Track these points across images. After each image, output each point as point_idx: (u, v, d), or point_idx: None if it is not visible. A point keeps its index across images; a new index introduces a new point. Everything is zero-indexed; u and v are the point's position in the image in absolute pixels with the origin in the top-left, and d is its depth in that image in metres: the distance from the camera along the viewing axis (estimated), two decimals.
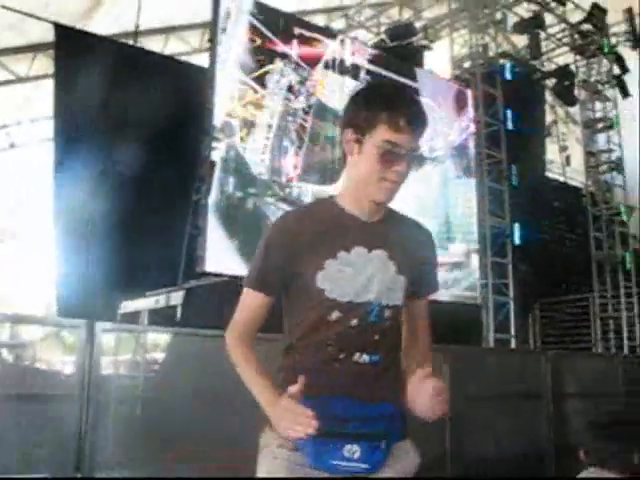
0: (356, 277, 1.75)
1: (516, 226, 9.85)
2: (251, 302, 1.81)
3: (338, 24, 12.15)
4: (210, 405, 4.19)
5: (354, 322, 1.75)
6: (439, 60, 10.73)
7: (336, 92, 8.14)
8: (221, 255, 6.88)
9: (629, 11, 13.36)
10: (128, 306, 7.92)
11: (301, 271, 1.74)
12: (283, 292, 1.82)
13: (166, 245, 7.68)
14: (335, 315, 1.74)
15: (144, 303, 7.76)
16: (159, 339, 5.82)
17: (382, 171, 1.70)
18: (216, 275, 7.01)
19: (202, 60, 8.85)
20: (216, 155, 7.04)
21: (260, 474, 1.75)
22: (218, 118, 7.11)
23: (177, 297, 7.18)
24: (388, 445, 1.71)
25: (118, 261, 7.50)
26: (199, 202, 7.00)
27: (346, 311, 1.74)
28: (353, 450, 1.66)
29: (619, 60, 12.86)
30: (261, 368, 1.76)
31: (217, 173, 7.01)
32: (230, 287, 7.12)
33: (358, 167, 1.75)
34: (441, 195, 9.06)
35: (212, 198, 6.93)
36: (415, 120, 1.70)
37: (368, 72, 8.54)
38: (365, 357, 1.75)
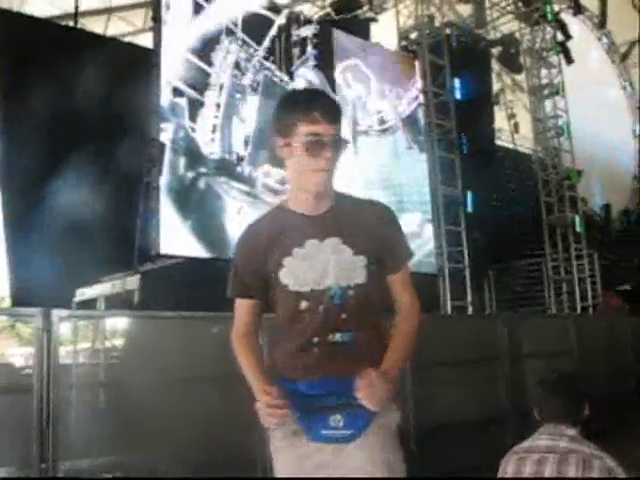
0: (312, 267, 1.91)
1: (468, 194, 9.97)
2: (241, 309, 2.03)
3: None
4: (173, 387, 4.19)
5: (321, 307, 1.90)
6: (386, 32, 10.72)
7: (284, 67, 8.10)
8: (175, 236, 6.84)
9: None
10: (85, 293, 7.83)
11: (268, 273, 1.94)
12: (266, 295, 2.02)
13: (120, 229, 7.60)
14: (304, 304, 1.91)
15: (100, 289, 7.68)
16: (118, 325, 5.77)
17: (313, 163, 1.85)
18: (171, 257, 6.97)
19: (147, 41, 8.69)
20: (165, 136, 6.96)
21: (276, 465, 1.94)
22: (165, 99, 7.02)
23: (133, 281, 7.13)
24: (368, 410, 1.82)
25: (71, 248, 7.39)
26: (150, 184, 6.92)
27: (312, 299, 1.90)
28: (337, 419, 1.85)
29: (562, 27, 13.03)
30: (255, 360, 1.97)
31: (167, 154, 6.94)
32: (186, 267, 7.12)
33: (293, 167, 1.91)
34: (393, 166, 9.10)
35: (163, 179, 6.87)
36: (328, 109, 1.87)
37: (315, 46, 8.50)
38: (337, 336, 1.91)
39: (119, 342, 5.73)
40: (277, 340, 2.00)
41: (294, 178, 1.94)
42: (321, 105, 1.87)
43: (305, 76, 8.44)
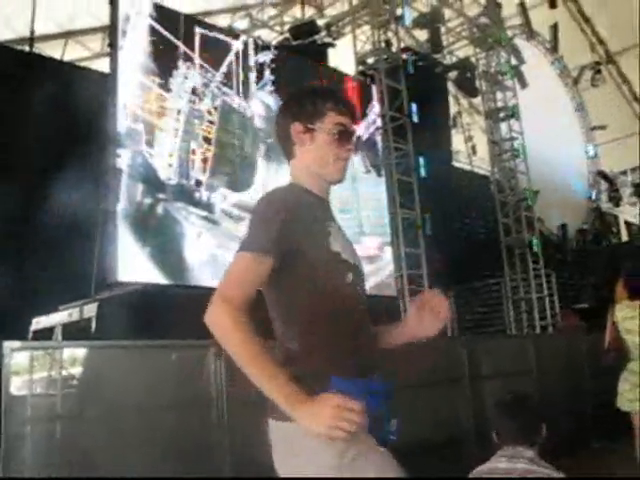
0: (348, 241, 1.86)
1: (427, 217, 10.07)
2: (258, 270, 1.66)
3: (242, 24, 12.10)
4: (131, 416, 4.13)
5: (359, 286, 1.83)
6: (343, 57, 10.83)
7: (241, 93, 8.12)
8: (133, 263, 6.77)
9: (522, 4, 13.92)
10: (41, 322, 7.67)
11: (314, 238, 1.76)
12: (278, 278, 1.72)
13: (77, 257, 7.47)
14: (349, 277, 1.78)
15: (58, 318, 7.53)
16: (75, 354, 5.66)
17: (338, 152, 1.87)
18: (130, 284, 6.88)
19: (104, 65, 8.64)
20: (122, 162, 6.91)
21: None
22: (122, 124, 6.98)
23: (91, 309, 7.01)
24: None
25: (27, 276, 7.25)
26: (107, 211, 6.85)
27: (355, 273, 1.81)
28: (393, 424, 1.73)
29: (516, 52, 13.36)
30: (273, 358, 1.62)
31: (124, 180, 6.88)
32: (144, 294, 7.03)
33: (313, 153, 1.88)
34: (351, 190, 9.16)
35: (121, 206, 6.81)
36: (351, 105, 1.98)
37: (272, 71, 8.55)
38: (370, 329, 1.84)
39: (76, 371, 5.61)
40: (313, 327, 1.70)
41: (311, 163, 1.89)
42: (346, 98, 2.02)
43: (263, 100, 8.47)
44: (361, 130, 9.63)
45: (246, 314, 1.62)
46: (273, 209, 1.74)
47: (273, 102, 8.57)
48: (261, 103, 8.45)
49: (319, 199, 1.90)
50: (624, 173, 19.36)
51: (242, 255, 1.67)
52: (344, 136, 1.88)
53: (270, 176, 8.35)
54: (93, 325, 6.86)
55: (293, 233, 1.71)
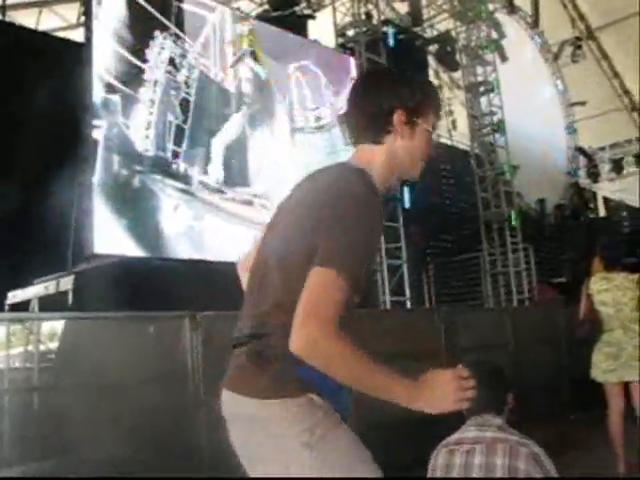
0: None
1: (405, 190, 10.07)
2: (345, 292, 1.53)
3: None
4: (109, 388, 4.12)
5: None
6: (323, 29, 10.72)
7: (218, 64, 8.03)
8: (110, 235, 6.72)
9: None
10: (17, 295, 7.61)
11: (375, 252, 1.77)
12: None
13: (53, 229, 7.39)
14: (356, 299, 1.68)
15: (33, 291, 7.48)
16: (52, 327, 5.64)
17: (426, 154, 1.81)
18: (106, 256, 6.84)
19: (80, 36, 8.48)
20: (98, 133, 6.82)
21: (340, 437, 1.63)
22: (98, 95, 6.88)
23: (67, 282, 6.96)
24: None
25: (2, 250, 7.17)
26: (84, 182, 6.77)
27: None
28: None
29: (496, 26, 13.31)
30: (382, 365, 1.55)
31: (101, 152, 6.80)
32: (121, 267, 6.99)
33: (406, 148, 1.78)
34: (330, 163, 9.08)
35: (97, 178, 6.73)
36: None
37: (251, 42, 8.45)
38: None
39: (53, 344, 5.60)
40: None
41: (401, 158, 1.79)
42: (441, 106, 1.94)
43: (251, 67, 8.40)
44: (340, 103, 9.57)
45: (340, 335, 1.50)
46: (364, 219, 1.60)
47: (259, 69, 8.49)
48: (249, 70, 8.36)
49: (380, 199, 1.74)
50: (603, 149, 19.47)
51: (334, 277, 1.52)
52: (432, 141, 1.83)
53: (255, 146, 8.30)
54: (70, 298, 6.82)
55: (370, 250, 1.68)
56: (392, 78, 1.88)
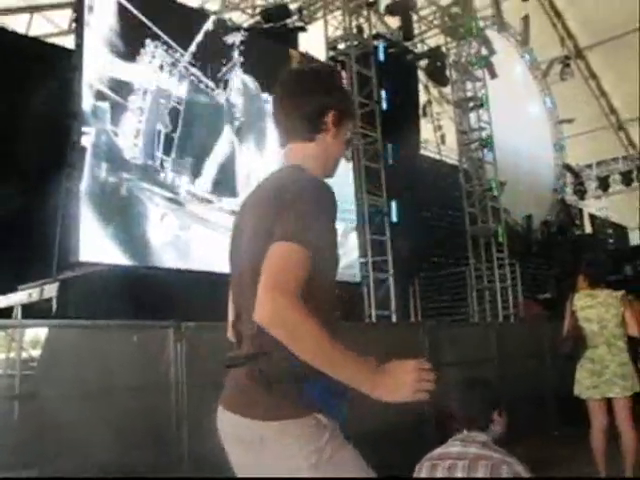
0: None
1: (393, 204, 10.09)
2: (307, 266, 1.57)
3: (213, 5, 11.94)
4: (91, 397, 4.08)
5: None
6: (314, 42, 10.76)
7: (209, 74, 8.02)
8: (96, 243, 6.67)
9: None
10: (0, 301, 7.55)
11: (330, 235, 1.72)
12: None
13: (38, 236, 7.34)
14: (335, 272, 1.80)
15: (17, 298, 7.41)
16: (35, 334, 5.59)
17: (343, 154, 1.96)
18: (92, 264, 6.79)
19: (70, 42, 8.46)
20: (87, 140, 6.78)
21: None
22: (87, 102, 6.85)
23: (51, 289, 6.90)
24: None
25: None
26: (70, 189, 6.73)
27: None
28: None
29: (487, 42, 13.42)
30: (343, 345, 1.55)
31: (88, 159, 6.76)
32: (106, 275, 6.94)
33: (331, 148, 1.88)
34: None
35: (84, 185, 6.69)
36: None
37: (241, 53, 8.46)
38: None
39: (36, 352, 5.54)
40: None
41: (326, 156, 1.89)
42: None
43: (242, 78, 8.40)
44: None
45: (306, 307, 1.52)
46: (313, 199, 1.67)
47: (250, 80, 8.50)
48: (239, 81, 8.36)
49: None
50: (589, 167, 19.63)
51: (293, 248, 1.56)
52: (349, 143, 2.02)
53: (244, 157, 8.30)
54: (54, 306, 6.77)
55: (331, 234, 1.73)
56: (326, 80, 1.95)
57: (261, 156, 8.47)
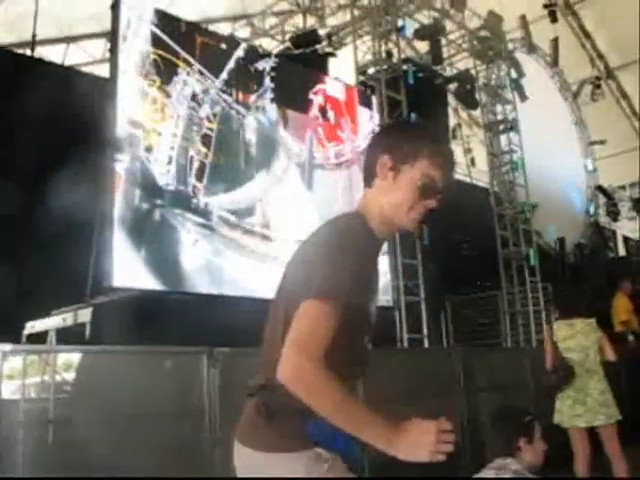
0: (375, 285, 1.80)
1: (424, 227, 10.04)
2: (337, 321, 1.58)
3: (243, 32, 12.12)
4: (124, 424, 4.09)
5: (369, 337, 1.81)
6: (344, 67, 10.84)
7: (241, 100, 8.11)
8: (129, 269, 6.74)
9: (523, 18, 13.96)
10: (35, 326, 7.63)
11: (363, 295, 1.70)
12: None
13: (73, 261, 7.44)
14: (366, 339, 1.78)
15: (51, 322, 7.49)
16: (68, 359, 5.63)
17: (415, 202, 1.77)
18: (125, 289, 6.85)
19: (105, 71, 8.63)
20: (120, 167, 6.89)
21: None
22: (121, 129, 6.97)
23: (85, 314, 6.97)
24: None
25: (21, 279, 7.20)
26: (105, 215, 6.82)
27: (369, 329, 1.79)
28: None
29: (516, 65, 13.39)
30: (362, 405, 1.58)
31: (122, 185, 6.86)
32: (139, 301, 7.00)
33: (391, 194, 1.79)
34: (348, 200, 9.12)
35: (118, 211, 6.77)
36: (451, 161, 1.86)
37: (272, 79, 8.54)
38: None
39: (69, 376, 5.58)
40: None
41: (387, 203, 1.80)
42: (448, 152, 1.86)
43: (265, 108, 8.47)
44: (360, 140, 9.62)
45: (326, 364, 1.54)
46: (350, 252, 1.64)
47: (273, 112, 8.57)
48: (269, 106, 8.45)
49: (377, 241, 1.81)
50: (622, 188, 19.39)
51: (319, 305, 1.57)
52: (428, 190, 1.77)
53: (268, 185, 8.34)
54: (87, 330, 6.83)
55: (358, 281, 1.65)
56: (386, 127, 2.01)
57: (292, 182, 8.50)
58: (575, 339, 5.05)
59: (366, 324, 1.77)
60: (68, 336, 6.94)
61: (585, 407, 4.90)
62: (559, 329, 5.17)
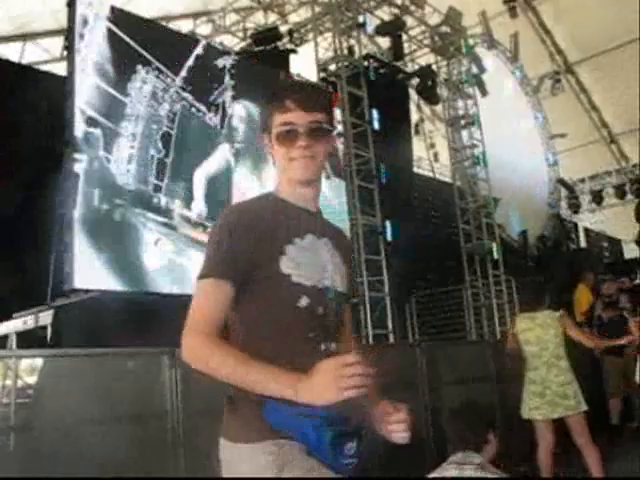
0: (315, 261, 1.76)
1: (388, 223, 10.10)
2: (216, 294, 1.66)
3: (204, 29, 12.03)
4: (86, 427, 4.04)
5: (321, 309, 1.74)
6: (305, 63, 10.82)
7: (201, 98, 8.05)
8: (90, 270, 6.65)
9: (483, 14, 14.10)
10: None
11: (264, 257, 1.69)
12: (236, 297, 1.70)
13: (33, 263, 7.33)
14: (304, 301, 1.70)
15: (12, 325, 7.38)
16: (30, 362, 5.55)
17: (288, 152, 1.78)
18: (86, 291, 6.77)
19: (63, 69, 8.50)
20: (79, 167, 6.78)
21: None
22: (79, 129, 6.86)
23: (46, 317, 6.87)
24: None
25: None
26: (64, 216, 6.72)
27: (313, 296, 1.71)
28: (351, 447, 1.57)
29: (477, 60, 13.51)
30: (249, 357, 1.57)
31: (81, 185, 6.75)
32: (101, 303, 6.92)
33: (276, 160, 1.84)
34: None
35: (77, 212, 6.67)
36: (302, 96, 1.80)
37: (232, 76, 8.49)
38: (334, 346, 1.75)
39: (31, 380, 5.50)
40: (258, 351, 1.62)
41: (278, 171, 1.85)
42: (294, 93, 1.81)
43: (244, 105, 8.43)
44: None
45: (216, 337, 1.61)
46: (224, 229, 1.71)
47: (251, 105, 8.53)
48: (231, 104, 8.39)
49: (299, 210, 1.82)
50: (582, 181, 19.70)
51: (199, 284, 1.68)
52: (290, 134, 1.77)
53: (240, 181, 8.31)
54: (49, 333, 6.74)
55: (245, 252, 1.68)
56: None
57: (258, 179, 8.47)
58: (533, 332, 5.13)
59: (302, 296, 1.71)
60: (29, 339, 6.85)
61: (543, 400, 4.97)
62: (520, 321, 5.28)
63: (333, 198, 9.49)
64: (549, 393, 4.94)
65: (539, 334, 5.09)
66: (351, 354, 1.52)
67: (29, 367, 5.47)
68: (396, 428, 1.67)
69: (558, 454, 5.16)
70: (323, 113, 1.81)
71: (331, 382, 1.47)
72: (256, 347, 1.65)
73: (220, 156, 8.15)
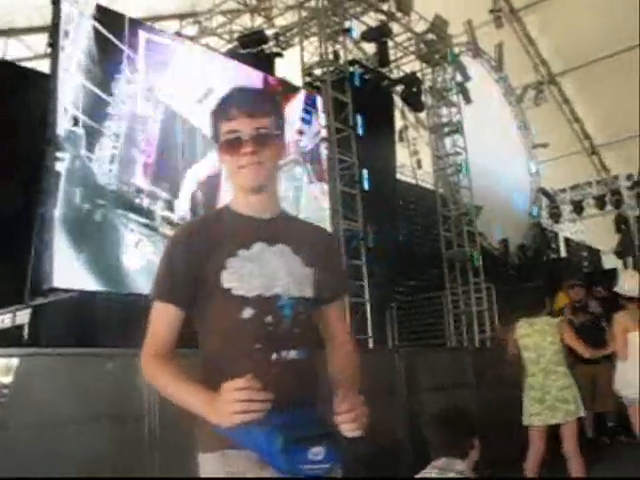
0: (260, 270, 1.75)
1: (369, 229, 10.09)
2: (162, 317, 1.76)
3: (190, 30, 12.00)
4: (62, 428, 4.01)
5: (269, 318, 1.73)
6: (291, 67, 10.83)
7: (186, 99, 8.02)
8: (69, 270, 6.59)
9: (469, 23, 14.20)
10: None
11: (205, 274, 1.73)
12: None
13: (11, 262, 7.26)
14: (247, 313, 1.72)
15: None
16: (6, 362, 5.49)
17: (235, 160, 1.77)
18: (65, 290, 6.71)
19: (46, 66, 8.43)
20: (61, 166, 6.72)
21: None
22: (62, 127, 6.81)
23: (23, 316, 6.82)
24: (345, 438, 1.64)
25: None
26: (44, 215, 6.66)
27: (258, 307, 1.72)
28: (317, 451, 1.54)
29: (461, 68, 13.59)
30: (185, 376, 1.68)
31: (63, 185, 6.70)
32: (80, 302, 6.87)
33: (226, 170, 1.83)
34: (293, 200, 9.11)
35: (58, 211, 6.62)
36: (245, 103, 1.79)
37: (218, 79, 8.47)
38: (293, 353, 1.74)
39: (7, 380, 5.44)
40: (212, 367, 1.73)
41: (230, 181, 1.86)
42: (237, 100, 1.81)
43: (211, 107, 8.37)
44: (305, 141, 9.61)
45: (164, 357, 1.73)
46: (169, 251, 1.80)
47: None
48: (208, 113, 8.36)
49: (248, 219, 1.82)
50: (564, 191, 19.86)
51: (153, 303, 1.78)
52: (235, 142, 1.76)
53: (224, 184, 8.26)
54: (25, 332, 6.68)
55: (186, 274, 1.74)
56: None
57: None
58: (531, 338, 5.14)
59: (244, 307, 1.73)
60: (5, 338, 6.78)
61: (543, 405, 4.98)
62: (520, 327, 5.29)
63: (314, 202, 9.46)
64: (549, 398, 4.95)
65: (537, 340, 5.11)
66: (245, 378, 1.50)
67: (5, 366, 5.42)
68: (342, 419, 1.56)
69: (546, 460, 5.19)
70: (269, 117, 1.81)
71: (222, 408, 1.51)
72: (212, 362, 1.77)
73: (211, 159, 8.11)
